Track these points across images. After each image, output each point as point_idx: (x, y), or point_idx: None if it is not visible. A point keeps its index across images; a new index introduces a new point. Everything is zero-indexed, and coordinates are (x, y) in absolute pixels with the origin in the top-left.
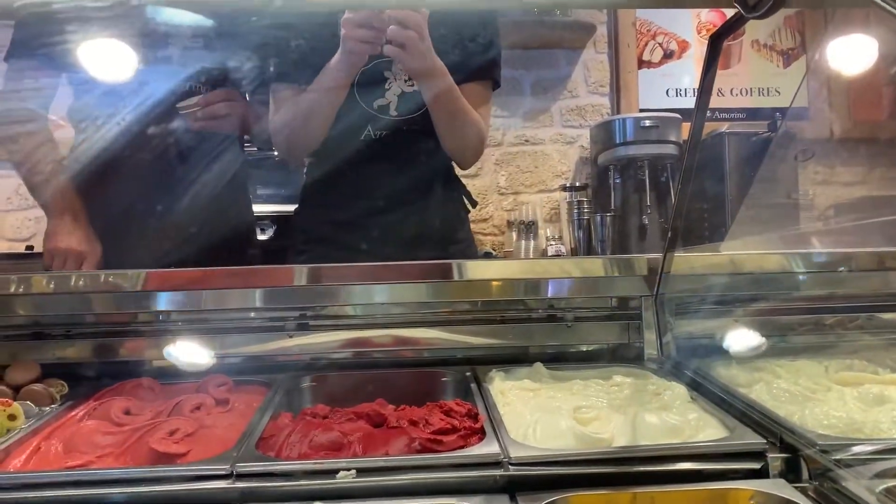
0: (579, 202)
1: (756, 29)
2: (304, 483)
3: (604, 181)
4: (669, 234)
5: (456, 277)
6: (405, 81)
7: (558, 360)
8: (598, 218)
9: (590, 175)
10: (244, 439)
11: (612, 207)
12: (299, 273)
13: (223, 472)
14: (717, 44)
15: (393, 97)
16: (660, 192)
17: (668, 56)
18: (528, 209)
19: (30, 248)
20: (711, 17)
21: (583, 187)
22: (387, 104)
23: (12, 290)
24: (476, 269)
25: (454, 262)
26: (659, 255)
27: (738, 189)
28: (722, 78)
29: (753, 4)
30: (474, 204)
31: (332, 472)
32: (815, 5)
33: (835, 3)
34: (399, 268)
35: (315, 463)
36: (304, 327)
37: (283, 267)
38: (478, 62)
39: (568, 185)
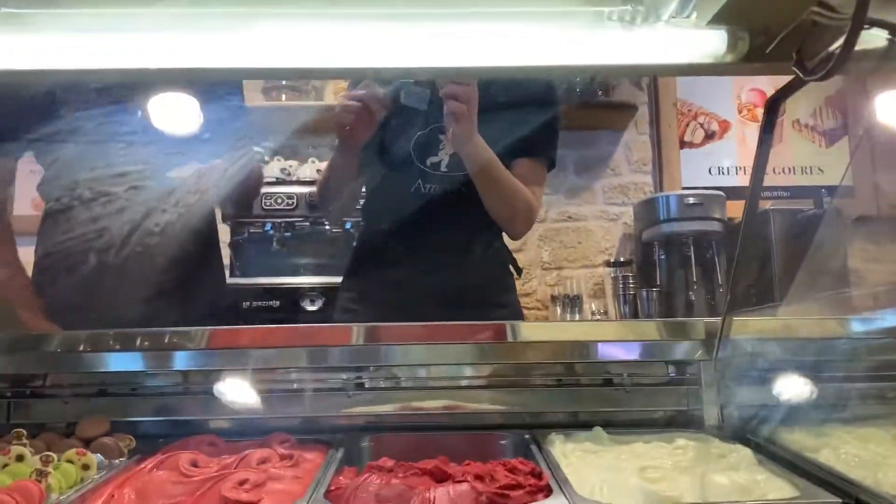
0: (624, 277)
1: (796, 109)
2: None
3: (648, 257)
4: (729, 297)
5: (510, 339)
6: None
7: (616, 425)
8: (644, 293)
9: (634, 251)
10: (313, 491)
11: (658, 283)
12: (357, 332)
13: None
14: (774, 108)
15: (445, 156)
16: (706, 269)
17: (709, 137)
18: (573, 283)
19: None
20: (752, 98)
21: (627, 262)
22: (438, 161)
23: (81, 347)
24: (536, 331)
25: (509, 324)
26: (716, 320)
27: (784, 266)
28: None
29: (812, 68)
30: (519, 271)
31: None
32: (869, 70)
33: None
34: (456, 328)
35: None
36: (360, 387)
37: (340, 326)
38: (534, 139)
39: (612, 260)
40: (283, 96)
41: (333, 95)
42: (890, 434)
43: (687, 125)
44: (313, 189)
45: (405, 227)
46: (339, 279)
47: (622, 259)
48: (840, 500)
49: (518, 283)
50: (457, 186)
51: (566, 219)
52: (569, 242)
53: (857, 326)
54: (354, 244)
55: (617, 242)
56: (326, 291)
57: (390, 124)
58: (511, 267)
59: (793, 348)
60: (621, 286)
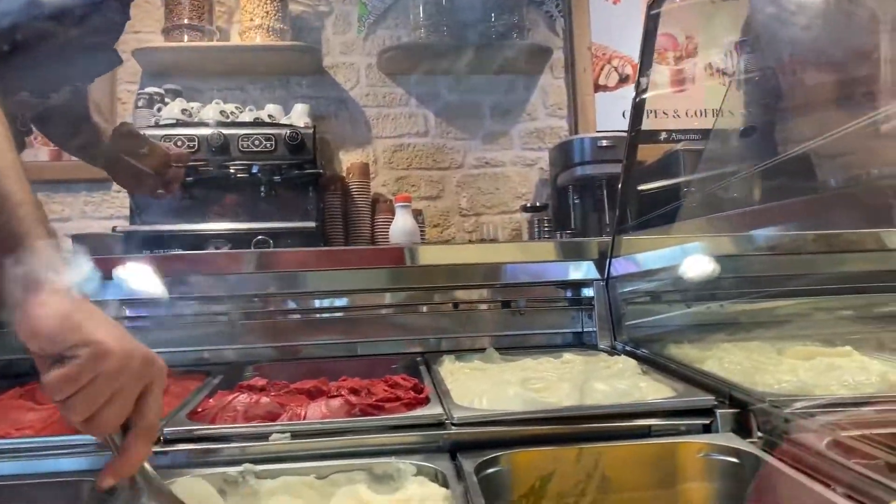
0: (539, 221)
1: (709, 53)
2: (236, 445)
3: (563, 201)
4: (618, 213)
5: (408, 263)
6: None
7: (512, 349)
8: (559, 236)
9: (549, 196)
10: (176, 412)
11: (573, 226)
12: (248, 259)
13: None
14: (653, 16)
15: None
16: None
17: (623, 80)
18: (490, 229)
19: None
20: (663, 42)
21: (543, 207)
22: None
23: None
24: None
25: (408, 247)
26: (608, 239)
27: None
28: (677, 100)
29: None
30: None
31: (265, 436)
32: None
33: None
34: (351, 253)
35: (247, 427)
36: (249, 317)
37: (231, 252)
38: None
39: (528, 205)
40: (186, 37)
41: (239, 37)
42: (775, 347)
43: (601, 69)
44: (217, 131)
45: None
46: (246, 225)
47: (538, 204)
48: (713, 398)
49: (437, 231)
50: None
51: (483, 164)
52: (486, 188)
53: (744, 244)
54: None
55: (534, 188)
56: (233, 237)
57: None
58: None
59: (680, 267)
60: (536, 231)
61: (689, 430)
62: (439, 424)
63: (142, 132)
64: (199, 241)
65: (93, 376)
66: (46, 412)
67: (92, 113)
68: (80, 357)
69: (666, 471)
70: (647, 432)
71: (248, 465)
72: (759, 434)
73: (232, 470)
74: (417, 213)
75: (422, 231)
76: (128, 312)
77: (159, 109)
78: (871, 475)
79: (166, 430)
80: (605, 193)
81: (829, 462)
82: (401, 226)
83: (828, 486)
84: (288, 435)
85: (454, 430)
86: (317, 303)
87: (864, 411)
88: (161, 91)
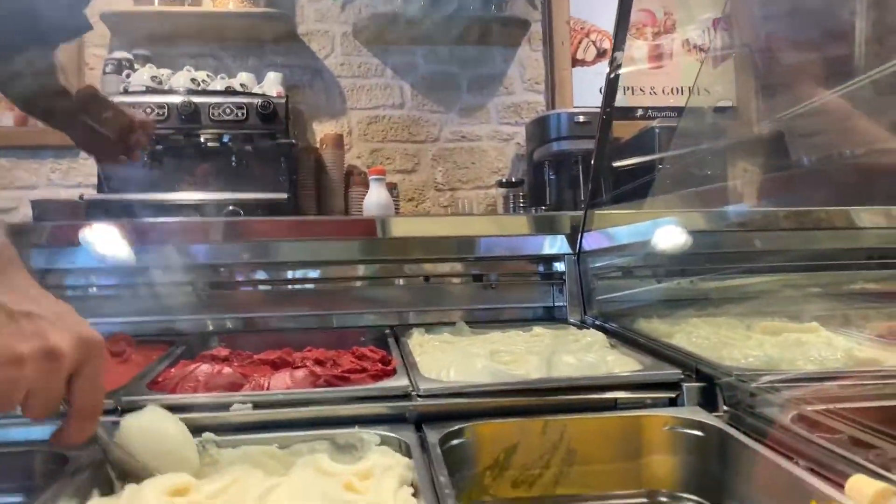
0: (515, 197)
1: (686, 30)
2: (196, 416)
3: (539, 177)
4: (591, 187)
5: (379, 234)
6: None
7: (482, 322)
8: (534, 212)
9: (525, 171)
10: (136, 381)
11: (548, 202)
12: (215, 228)
13: (108, 407)
14: None
15: None
16: None
17: (601, 55)
18: (465, 204)
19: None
20: (641, 18)
21: (518, 183)
22: None
23: None
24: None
25: (379, 219)
26: (580, 213)
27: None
28: (654, 77)
29: None
30: None
31: (226, 406)
32: None
33: None
34: (323, 224)
35: (207, 396)
36: (216, 286)
37: (197, 220)
38: None
39: (504, 180)
40: (156, 1)
41: (212, 2)
42: (743, 323)
43: (580, 42)
44: (187, 99)
45: None
46: (216, 195)
47: (514, 179)
48: (680, 372)
49: (412, 205)
50: None
51: (460, 138)
52: (462, 163)
53: (715, 220)
54: None
55: (510, 163)
56: (203, 207)
57: None
58: None
59: (652, 242)
60: (512, 206)
61: (655, 404)
62: (405, 396)
63: (107, 97)
64: (169, 210)
65: None
66: None
67: (59, 77)
68: None
69: (631, 443)
70: (612, 405)
71: (207, 434)
72: (725, 408)
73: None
74: (392, 187)
75: (396, 205)
76: (93, 280)
77: (128, 76)
78: (834, 449)
79: (124, 398)
80: (581, 169)
81: (794, 436)
82: (375, 199)
83: (791, 459)
84: (249, 405)
85: (420, 401)
86: (287, 274)
87: (829, 386)
88: (130, 57)
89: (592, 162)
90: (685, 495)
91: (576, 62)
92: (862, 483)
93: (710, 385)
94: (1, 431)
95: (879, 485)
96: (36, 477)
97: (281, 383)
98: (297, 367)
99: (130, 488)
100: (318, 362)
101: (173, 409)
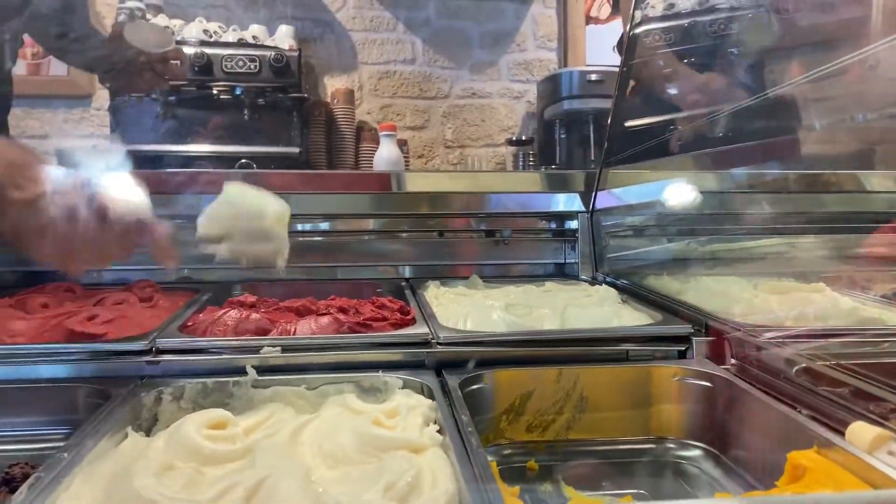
0: (525, 155)
1: None
2: (227, 357)
3: (549, 136)
4: (606, 146)
5: (394, 188)
6: None
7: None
8: (543, 171)
9: (535, 130)
10: (167, 324)
11: (557, 162)
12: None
13: (142, 349)
14: None
15: None
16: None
17: (615, 13)
18: (474, 161)
19: None
20: None
21: (528, 141)
22: None
23: None
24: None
25: (394, 173)
26: (595, 170)
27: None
28: None
29: None
30: None
31: (257, 349)
32: None
33: None
34: (337, 177)
35: (238, 339)
36: None
37: (213, 171)
38: None
39: (514, 138)
40: None
41: None
42: (751, 283)
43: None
44: (200, 50)
45: None
46: (229, 147)
47: (524, 137)
48: (690, 326)
49: (421, 162)
50: None
51: (470, 95)
52: (472, 120)
53: (726, 182)
54: None
55: (520, 121)
56: (216, 159)
57: None
58: None
59: (663, 202)
60: (521, 165)
61: (666, 357)
62: (425, 343)
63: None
64: (181, 161)
65: None
66: (37, 321)
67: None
68: None
69: (641, 393)
70: (624, 357)
71: (250, 369)
72: (733, 361)
73: (229, 379)
74: (402, 144)
75: (406, 162)
76: None
77: None
78: (835, 399)
79: (158, 341)
80: (592, 129)
81: (798, 387)
82: (385, 155)
83: (794, 408)
84: (279, 349)
85: (440, 348)
86: (301, 226)
87: (833, 343)
88: (142, 6)
89: (609, 120)
90: (691, 442)
91: (589, 20)
92: (862, 429)
93: (719, 339)
94: (48, 367)
95: (878, 430)
96: (80, 411)
97: (306, 329)
98: (322, 314)
99: (172, 424)
100: (342, 310)
101: (206, 351)
